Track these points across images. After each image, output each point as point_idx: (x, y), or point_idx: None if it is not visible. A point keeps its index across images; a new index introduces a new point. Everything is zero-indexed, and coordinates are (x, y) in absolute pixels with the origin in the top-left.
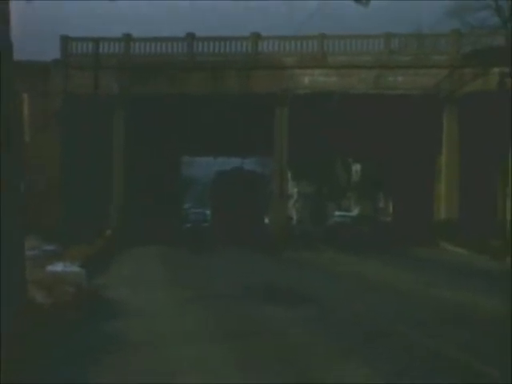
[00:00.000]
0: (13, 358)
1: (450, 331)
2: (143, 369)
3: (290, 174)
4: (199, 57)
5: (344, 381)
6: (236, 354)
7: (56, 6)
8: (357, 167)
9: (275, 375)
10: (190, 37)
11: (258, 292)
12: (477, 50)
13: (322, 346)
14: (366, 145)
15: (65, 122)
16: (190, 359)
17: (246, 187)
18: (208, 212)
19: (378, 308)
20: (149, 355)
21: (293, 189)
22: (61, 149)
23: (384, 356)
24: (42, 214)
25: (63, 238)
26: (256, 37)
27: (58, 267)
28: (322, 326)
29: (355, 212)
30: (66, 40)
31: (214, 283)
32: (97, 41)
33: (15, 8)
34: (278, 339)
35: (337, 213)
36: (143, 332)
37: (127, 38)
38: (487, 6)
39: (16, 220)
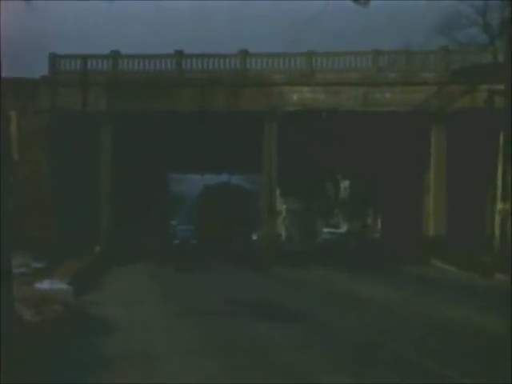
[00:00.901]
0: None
1: (441, 348)
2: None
3: (278, 191)
4: (187, 74)
5: None
6: (227, 369)
7: (44, 23)
8: (345, 184)
9: None
10: (178, 54)
11: (248, 309)
12: (465, 67)
13: (314, 362)
14: (354, 161)
15: (53, 138)
16: (180, 374)
17: (233, 201)
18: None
19: (368, 325)
20: (137, 371)
21: (281, 205)
22: (49, 166)
23: (376, 373)
24: (31, 230)
25: (52, 255)
26: (244, 54)
27: (46, 285)
28: (314, 343)
29: (344, 229)
30: (54, 57)
31: (203, 300)
32: (85, 58)
33: (2, 25)
34: (269, 355)
35: (325, 229)
36: (131, 348)
37: (115, 55)
38: (475, 23)
39: (4, 236)
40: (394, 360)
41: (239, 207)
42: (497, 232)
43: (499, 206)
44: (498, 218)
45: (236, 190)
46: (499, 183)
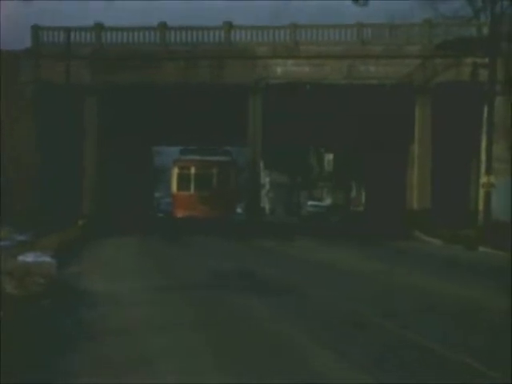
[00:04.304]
0: None
1: (427, 321)
2: (119, 356)
3: (262, 164)
4: (172, 46)
5: (322, 373)
6: (213, 342)
7: None
8: (329, 157)
9: (252, 364)
10: (163, 26)
11: (232, 281)
12: (449, 40)
13: (297, 333)
14: (338, 134)
15: (37, 111)
16: (167, 347)
17: (213, 168)
18: None
19: (353, 298)
20: (124, 344)
21: (265, 178)
22: (34, 139)
23: (361, 347)
24: (16, 204)
25: (36, 228)
26: (228, 26)
27: (30, 257)
28: (298, 316)
29: (327, 202)
30: (36, 29)
31: (186, 273)
32: (68, 30)
33: None
34: (252, 326)
35: (309, 202)
36: (117, 321)
37: (99, 28)
38: None
39: None
40: (379, 333)
41: (220, 175)
42: (480, 205)
43: (483, 179)
44: (481, 192)
45: (218, 153)
46: (483, 157)
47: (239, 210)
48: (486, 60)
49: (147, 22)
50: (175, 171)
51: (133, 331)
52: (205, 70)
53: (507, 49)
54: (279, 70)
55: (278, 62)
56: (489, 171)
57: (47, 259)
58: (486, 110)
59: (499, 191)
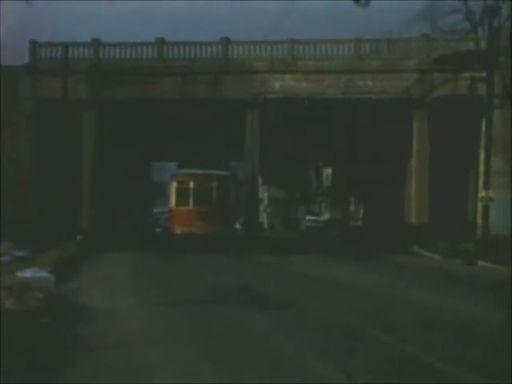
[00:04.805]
0: None
1: (425, 335)
2: (115, 369)
3: (260, 179)
4: (169, 61)
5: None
6: (209, 356)
7: (25, 10)
8: (328, 171)
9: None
10: (160, 41)
11: (231, 296)
12: (447, 55)
13: (298, 349)
14: (336, 149)
15: (36, 127)
16: (163, 360)
17: (212, 183)
18: None
19: (352, 312)
20: (120, 359)
21: (263, 193)
22: (32, 154)
23: (360, 360)
24: (14, 219)
25: (34, 244)
26: (226, 41)
27: (28, 273)
28: (298, 330)
29: (326, 216)
30: (34, 44)
31: (185, 288)
32: (66, 45)
33: None
34: (251, 342)
35: (308, 217)
36: (113, 336)
37: (96, 43)
38: (458, 10)
39: None
40: (378, 346)
41: (220, 189)
42: (479, 219)
43: (481, 193)
44: (480, 206)
45: (216, 170)
46: (481, 170)
47: (237, 225)
48: (484, 74)
49: (145, 29)
50: (173, 186)
51: (131, 345)
52: (202, 85)
53: (505, 62)
54: (277, 84)
55: (276, 76)
56: (487, 185)
57: (45, 275)
58: (484, 123)
59: (498, 205)
